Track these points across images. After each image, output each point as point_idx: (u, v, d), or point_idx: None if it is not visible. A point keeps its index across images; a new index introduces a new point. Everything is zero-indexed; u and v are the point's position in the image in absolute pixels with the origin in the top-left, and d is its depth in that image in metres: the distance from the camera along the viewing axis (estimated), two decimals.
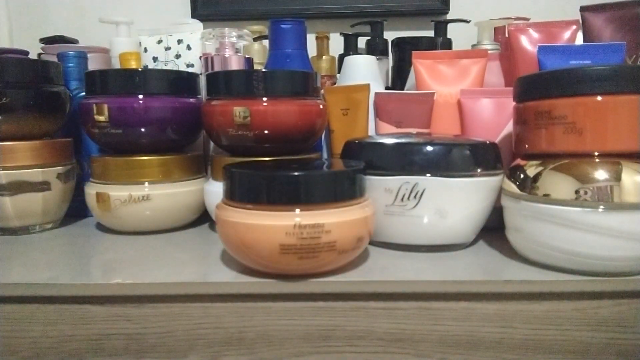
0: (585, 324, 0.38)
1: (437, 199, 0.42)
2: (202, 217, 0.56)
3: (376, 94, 0.57)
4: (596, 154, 0.37)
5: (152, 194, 0.50)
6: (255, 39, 0.72)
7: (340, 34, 0.77)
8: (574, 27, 0.55)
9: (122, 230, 0.53)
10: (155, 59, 0.68)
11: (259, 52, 0.71)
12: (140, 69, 0.62)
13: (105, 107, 0.49)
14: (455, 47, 0.75)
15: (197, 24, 0.69)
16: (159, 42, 0.68)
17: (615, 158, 0.37)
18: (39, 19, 0.90)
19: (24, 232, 0.53)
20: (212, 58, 0.60)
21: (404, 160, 0.43)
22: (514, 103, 0.44)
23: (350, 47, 0.76)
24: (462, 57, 0.58)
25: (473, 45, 0.71)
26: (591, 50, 0.47)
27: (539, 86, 0.40)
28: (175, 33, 0.68)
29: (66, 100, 0.55)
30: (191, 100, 0.54)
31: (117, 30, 0.73)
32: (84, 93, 0.55)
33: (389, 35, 0.77)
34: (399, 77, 0.74)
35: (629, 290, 0.37)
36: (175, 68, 0.67)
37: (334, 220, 0.36)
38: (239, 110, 0.47)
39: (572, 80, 0.38)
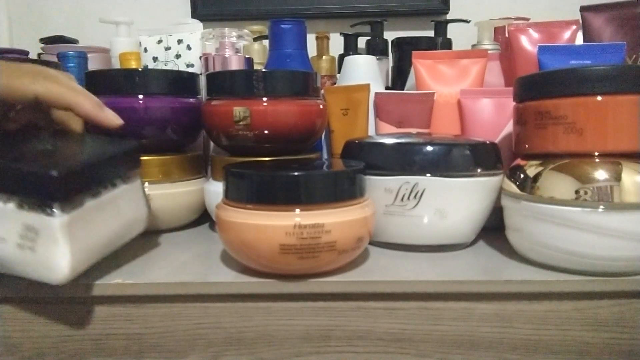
0: (585, 324, 0.38)
1: (437, 199, 0.42)
2: (202, 217, 0.56)
3: (376, 94, 0.57)
4: (596, 154, 0.37)
5: (152, 194, 0.50)
6: (255, 39, 0.72)
7: (340, 34, 0.77)
8: (574, 27, 0.55)
9: None
10: (155, 59, 0.68)
11: (259, 52, 0.71)
12: (140, 69, 0.62)
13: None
14: (455, 47, 0.75)
15: (197, 24, 0.69)
16: (159, 42, 0.68)
17: (616, 158, 0.37)
18: (39, 19, 0.90)
19: None
20: (212, 58, 0.60)
21: (404, 160, 0.43)
22: (514, 103, 0.44)
23: (350, 47, 0.76)
24: (462, 57, 0.58)
25: (473, 45, 0.71)
26: (591, 50, 0.47)
27: (539, 86, 0.40)
28: (175, 33, 0.68)
29: None
30: (191, 100, 0.54)
31: (117, 30, 0.74)
32: None
33: (389, 35, 0.77)
34: (399, 77, 0.74)
35: (629, 290, 0.37)
36: (175, 68, 0.67)
37: (334, 220, 0.36)
38: (239, 110, 0.47)
39: (572, 80, 0.38)
